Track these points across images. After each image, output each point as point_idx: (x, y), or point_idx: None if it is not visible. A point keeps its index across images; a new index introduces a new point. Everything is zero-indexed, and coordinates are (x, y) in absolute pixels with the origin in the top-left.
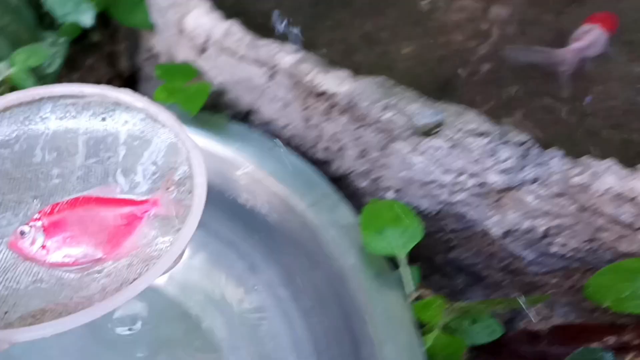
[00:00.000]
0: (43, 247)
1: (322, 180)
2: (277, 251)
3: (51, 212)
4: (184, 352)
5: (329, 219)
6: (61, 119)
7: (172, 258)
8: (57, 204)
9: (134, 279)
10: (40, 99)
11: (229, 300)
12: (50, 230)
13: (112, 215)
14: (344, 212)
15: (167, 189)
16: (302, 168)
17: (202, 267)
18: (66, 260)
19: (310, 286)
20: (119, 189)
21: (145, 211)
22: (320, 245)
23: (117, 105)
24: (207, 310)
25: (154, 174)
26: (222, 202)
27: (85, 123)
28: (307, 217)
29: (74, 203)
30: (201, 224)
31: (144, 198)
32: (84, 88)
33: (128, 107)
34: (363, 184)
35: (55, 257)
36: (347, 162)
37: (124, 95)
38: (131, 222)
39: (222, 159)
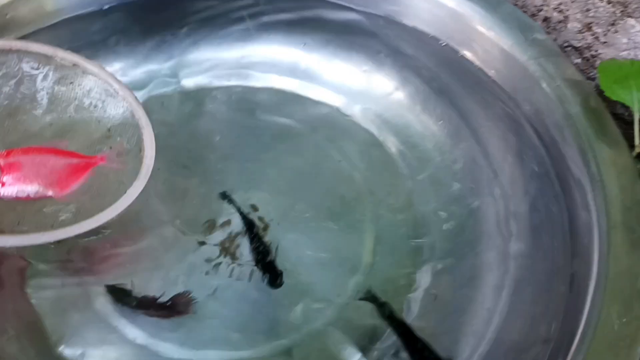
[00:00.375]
0: (2, 183)
1: (544, 36)
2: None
3: (8, 155)
4: None
5: (552, 71)
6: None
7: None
8: (14, 149)
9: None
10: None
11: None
12: (6, 169)
13: (62, 163)
14: (567, 66)
15: (117, 152)
16: (526, 23)
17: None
18: (20, 195)
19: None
20: (64, 144)
21: (93, 164)
22: (542, 95)
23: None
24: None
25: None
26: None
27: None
28: (529, 69)
29: (29, 150)
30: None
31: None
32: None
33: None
34: (576, 60)
35: (10, 191)
36: (566, 36)
37: (92, 66)
38: (80, 170)
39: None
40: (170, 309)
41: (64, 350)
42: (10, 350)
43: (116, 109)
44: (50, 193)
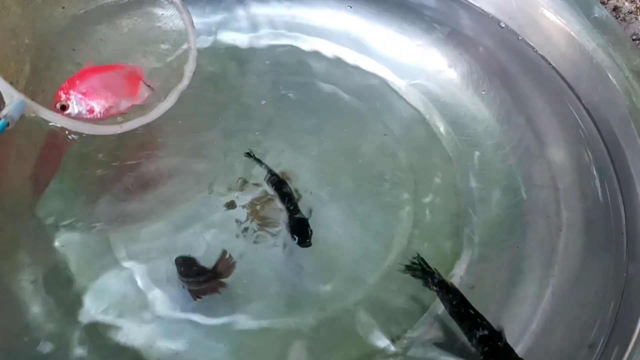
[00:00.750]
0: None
1: (614, 24)
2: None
3: (72, 86)
4: None
5: (621, 61)
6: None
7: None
8: (71, 78)
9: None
10: None
11: None
12: (84, 98)
13: (118, 75)
14: (636, 58)
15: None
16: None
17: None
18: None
19: None
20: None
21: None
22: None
23: None
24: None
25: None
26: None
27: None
28: (596, 58)
29: (84, 74)
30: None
31: None
32: None
33: None
34: None
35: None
36: (635, 28)
37: None
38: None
39: None
40: (212, 274)
41: (85, 300)
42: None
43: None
44: (129, 102)
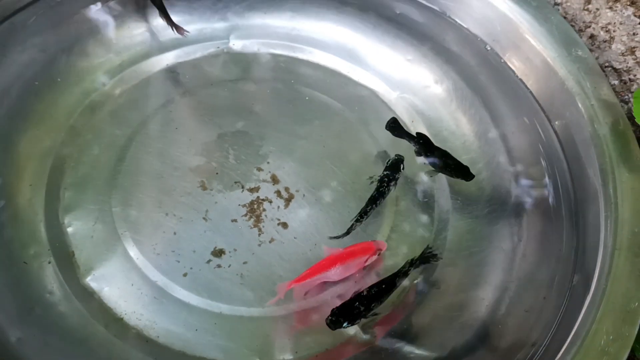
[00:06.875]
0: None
1: (587, 54)
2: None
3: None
4: None
5: (589, 89)
6: None
7: None
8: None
9: None
10: None
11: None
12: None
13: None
14: (603, 86)
15: None
16: (572, 38)
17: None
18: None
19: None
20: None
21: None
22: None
23: None
24: None
25: None
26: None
27: None
28: (567, 84)
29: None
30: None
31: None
32: None
33: None
34: (614, 81)
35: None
36: (608, 56)
37: None
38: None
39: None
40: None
41: (90, 282)
42: (44, 274)
43: None
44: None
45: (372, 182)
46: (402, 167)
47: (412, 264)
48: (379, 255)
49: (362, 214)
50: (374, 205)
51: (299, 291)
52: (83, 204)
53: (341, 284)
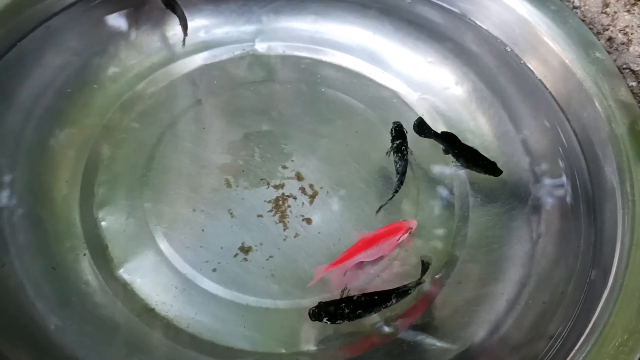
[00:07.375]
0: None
1: (605, 55)
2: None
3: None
4: None
5: (607, 91)
6: None
7: None
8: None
9: None
10: None
11: None
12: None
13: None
14: (621, 88)
15: None
16: (590, 40)
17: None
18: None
19: None
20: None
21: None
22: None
23: None
24: None
25: None
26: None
27: None
28: (585, 85)
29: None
30: None
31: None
32: None
33: None
34: (631, 83)
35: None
36: (626, 58)
37: None
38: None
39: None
40: None
41: (123, 273)
42: (80, 266)
43: None
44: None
45: (388, 155)
46: (406, 131)
47: (418, 284)
48: (410, 234)
49: (400, 183)
50: (404, 172)
51: (337, 273)
52: (116, 200)
53: (377, 264)
